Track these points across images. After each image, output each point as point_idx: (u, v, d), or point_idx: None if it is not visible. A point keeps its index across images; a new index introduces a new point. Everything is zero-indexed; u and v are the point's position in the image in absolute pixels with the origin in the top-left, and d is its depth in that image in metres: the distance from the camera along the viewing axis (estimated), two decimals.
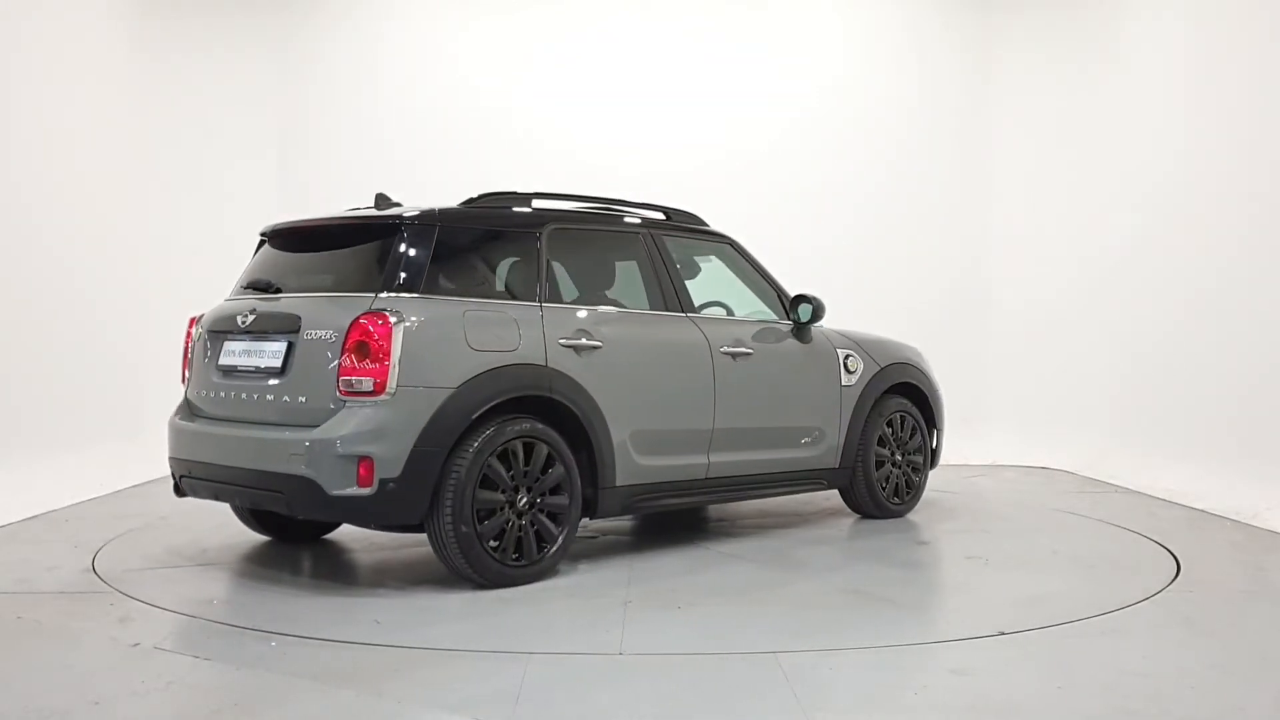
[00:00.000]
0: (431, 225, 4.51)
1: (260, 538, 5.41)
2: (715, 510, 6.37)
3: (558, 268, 4.97)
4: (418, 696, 3.13)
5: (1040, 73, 9.06)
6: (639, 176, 8.70)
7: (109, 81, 8.19)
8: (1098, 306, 8.50)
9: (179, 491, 4.88)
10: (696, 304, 5.57)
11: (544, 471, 4.49)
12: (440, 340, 4.29)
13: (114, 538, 5.44)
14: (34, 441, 6.70)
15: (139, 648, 3.59)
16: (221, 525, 5.73)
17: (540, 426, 4.48)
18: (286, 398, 4.36)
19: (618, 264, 5.35)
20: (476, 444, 4.26)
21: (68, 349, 7.25)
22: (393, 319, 4.17)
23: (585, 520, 4.82)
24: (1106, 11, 8.59)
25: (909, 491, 6.15)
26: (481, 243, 4.78)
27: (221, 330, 4.76)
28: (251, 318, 4.59)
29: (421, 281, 4.37)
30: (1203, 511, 6.31)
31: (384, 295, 4.29)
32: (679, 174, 8.79)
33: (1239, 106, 6.81)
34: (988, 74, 9.29)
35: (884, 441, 5.98)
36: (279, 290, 4.65)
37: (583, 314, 4.83)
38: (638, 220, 5.35)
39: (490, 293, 4.67)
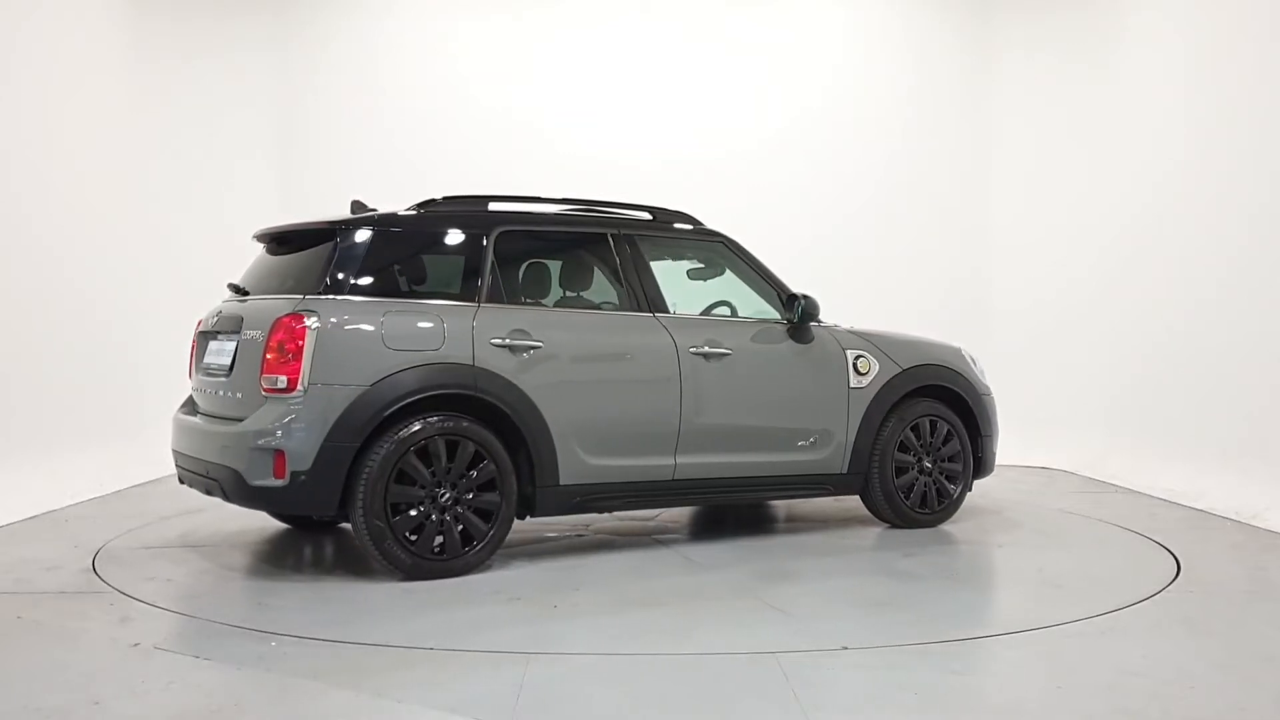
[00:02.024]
0: (367, 230, 4.73)
1: (260, 535, 5.43)
2: (749, 511, 6.33)
3: (507, 270, 4.99)
4: (418, 696, 3.12)
5: (1041, 73, 9.05)
6: (639, 175, 8.72)
7: (109, 81, 8.19)
8: (1098, 307, 8.50)
9: (180, 479, 5.14)
10: (704, 305, 5.62)
11: (471, 469, 4.57)
12: (354, 340, 4.47)
13: (114, 538, 5.44)
14: (34, 441, 6.69)
15: (139, 648, 3.59)
16: (222, 524, 5.75)
17: (466, 424, 4.57)
18: (231, 393, 4.68)
19: (580, 265, 5.32)
20: (391, 440, 4.42)
21: (68, 349, 7.25)
22: (308, 320, 4.41)
23: (591, 518, 4.80)
24: (1107, 11, 8.59)
25: (941, 501, 5.79)
26: (424, 246, 4.96)
27: (205, 331, 5.10)
28: (217, 319, 4.98)
29: (350, 283, 4.60)
30: (1203, 511, 6.30)
31: (309, 297, 4.53)
32: (679, 173, 8.79)
33: (1240, 106, 6.80)
34: (988, 74, 9.29)
35: (908, 447, 5.69)
36: (247, 292, 4.96)
37: (523, 314, 4.86)
38: (605, 222, 5.30)
39: (424, 294, 4.80)
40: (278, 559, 5.05)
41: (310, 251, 4.80)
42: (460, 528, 4.58)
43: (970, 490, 5.98)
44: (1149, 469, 7.29)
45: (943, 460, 5.80)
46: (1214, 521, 6.05)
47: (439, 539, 4.53)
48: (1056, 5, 9.01)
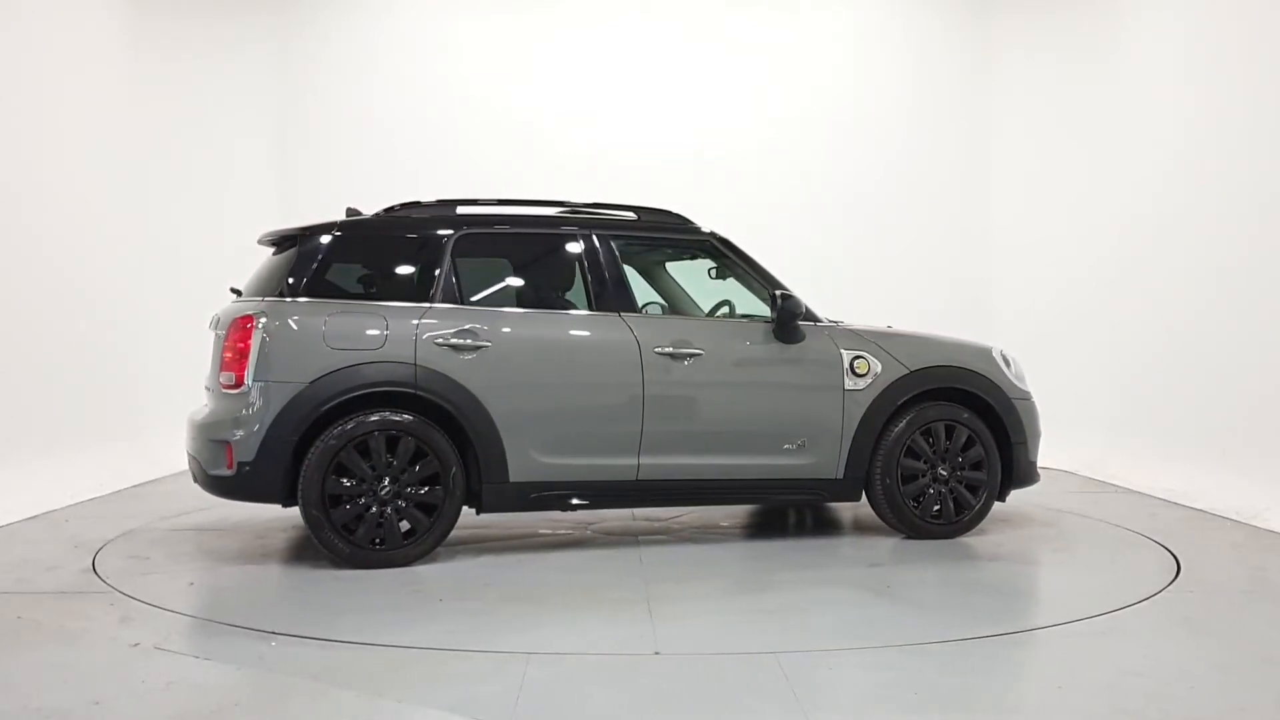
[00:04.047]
0: (328, 234, 4.98)
1: (260, 534, 5.44)
2: (815, 512, 6.26)
3: (467, 271, 5.08)
4: (418, 696, 3.13)
5: (1041, 73, 9.06)
6: (640, 175, 8.73)
7: (108, 83, 8.19)
8: (1099, 307, 8.50)
9: None
10: (709, 305, 5.63)
11: (413, 464, 4.76)
12: (296, 339, 4.73)
13: (114, 538, 5.45)
14: (34, 441, 6.70)
15: (139, 648, 3.59)
16: (221, 523, 5.75)
17: (406, 420, 4.74)
18: (209, 389, 5.03)
19: (543, 267, 5.34)
20: (331, 434, 4.66)
21: (67, 350, 7.25)
22: (256, 321, 4.72)
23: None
24: (1107, 11, 8.59)
25: (960, 512, 5.43)
26: (383, 249, 5.13)
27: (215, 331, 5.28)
28: (213, 320, 5.22)
29: (306, 286, 4.85)
30: (1203, 511, 6.31)
31: (266, 299, 4.83)
32: (679, 173, 8.81)
33: (1241, 106, 6.80)
34: (988, 74, 9.30)
35: (918, 453, 5.38)
36: (240, 294, 5.19)
37: (472, 315, 4.94)
38: (574, 223, 5.28)
39: (382, 295, 4.98)
40: (279, 558, 5.04)
41: (282, 255, 5.06)
42: (404, 521, 4.78)
43: (1002, 501, 5.63)
44: (1149, 469, 7.29)
45: (965, 469, 5.43)
46: (1214, 521, 6.05)
47: (378, 531, 4.74)
48: (1056, 5, 9.01)
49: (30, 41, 7.03)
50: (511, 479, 4.88)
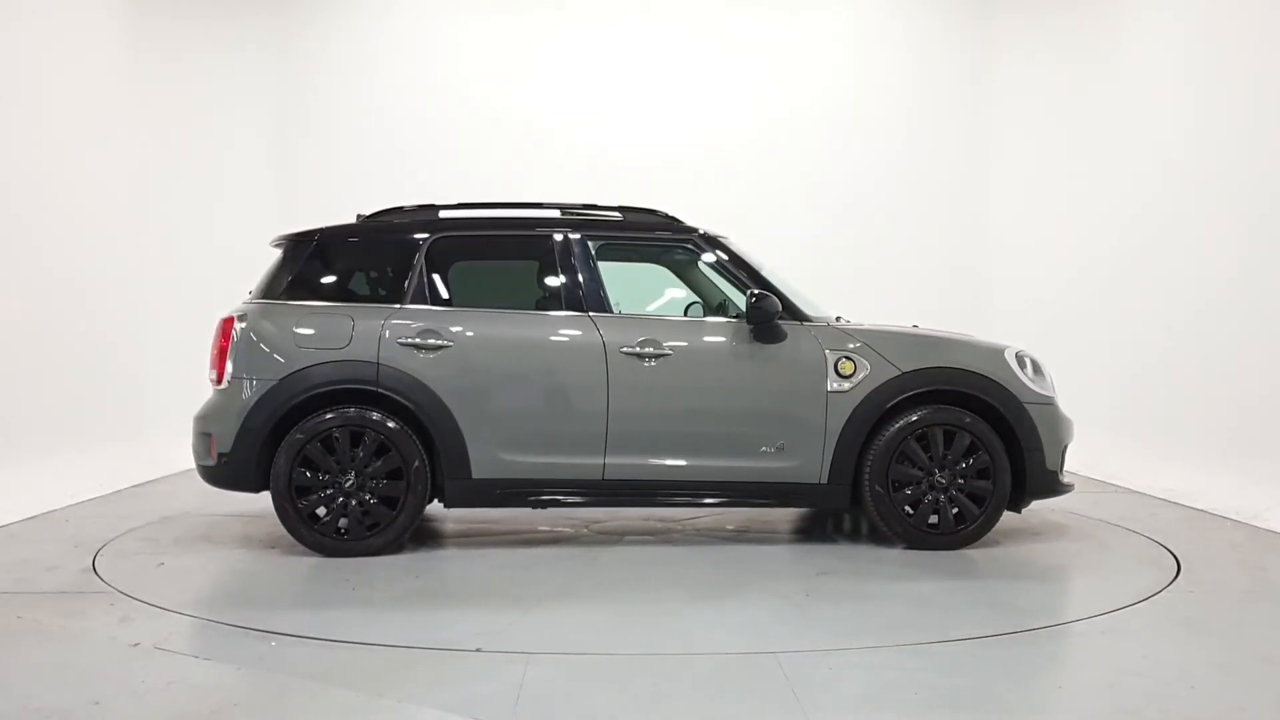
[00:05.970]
0: (309, 240, 5.26)
1: (260, 534, 5.45)
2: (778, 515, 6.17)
3: (440, 274, 5.23)
4: (417, 696, 3.13)
5: (1040, 73, 9.06)
6: (640, 174, 8.74)
7: (108, 83, 8.19)
8: (1098, 307, 8.50)
9: None
10: (712, 305, 5.60)
11: (378, 459, 4.97)
12: (269, 339, 5.03)
13: (114, 538, 5.45)
14: (34, 441, 6.70)
15: (139, 648, 3.59)
16: (222, 523, 5.75)
17: (366, 416, 4.95)
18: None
19: (516, 268, 5.44)
20: (300, 429, 4.94)
21: (68, 349, 7.26)
22: (236, 322, 5.05)
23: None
24: (1107, 11, 8.59)
25: (961, 523, 5.16)
26: (360, 253, 5.41)
27: None
28: None
29: (285, 288, 5.15)
30: (1203, 511, 6.31)
31: (251, 301, 5.16)
32: (679, 172, 8.82)
33: (1241, 108, 6.81)
34: (988, 74, 9.30)
35: (914, 460, 5.12)
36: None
37: (437, 315, 5.10)
38: (550, 224, 5.30)
39: (357, 297, 5.23)
40: (279, 558, 5.04)
41: (278, 259, 5.30)
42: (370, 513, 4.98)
43: (1017, 513, 5.37)
44: (1149, 469, 7.29)
45: (970, 477, 5.14)
46: (1214, 521, 6.05)
47: (343, 521, 4.97)
48: (1056, 5, 9.02)
49: (30, 41, 7.03)
50: (474, 475, 5.01)
